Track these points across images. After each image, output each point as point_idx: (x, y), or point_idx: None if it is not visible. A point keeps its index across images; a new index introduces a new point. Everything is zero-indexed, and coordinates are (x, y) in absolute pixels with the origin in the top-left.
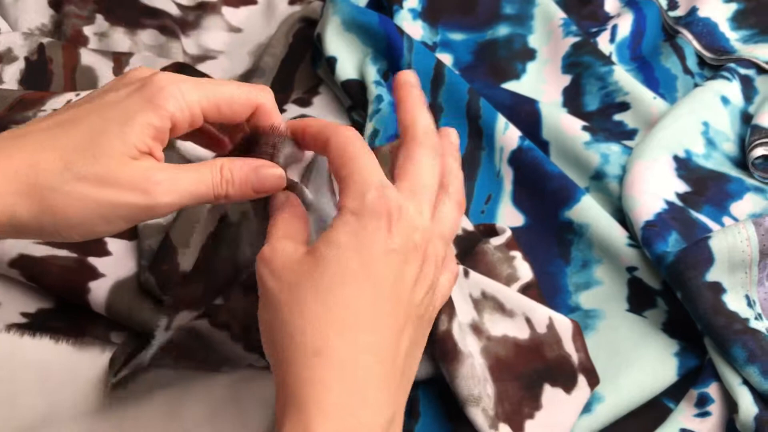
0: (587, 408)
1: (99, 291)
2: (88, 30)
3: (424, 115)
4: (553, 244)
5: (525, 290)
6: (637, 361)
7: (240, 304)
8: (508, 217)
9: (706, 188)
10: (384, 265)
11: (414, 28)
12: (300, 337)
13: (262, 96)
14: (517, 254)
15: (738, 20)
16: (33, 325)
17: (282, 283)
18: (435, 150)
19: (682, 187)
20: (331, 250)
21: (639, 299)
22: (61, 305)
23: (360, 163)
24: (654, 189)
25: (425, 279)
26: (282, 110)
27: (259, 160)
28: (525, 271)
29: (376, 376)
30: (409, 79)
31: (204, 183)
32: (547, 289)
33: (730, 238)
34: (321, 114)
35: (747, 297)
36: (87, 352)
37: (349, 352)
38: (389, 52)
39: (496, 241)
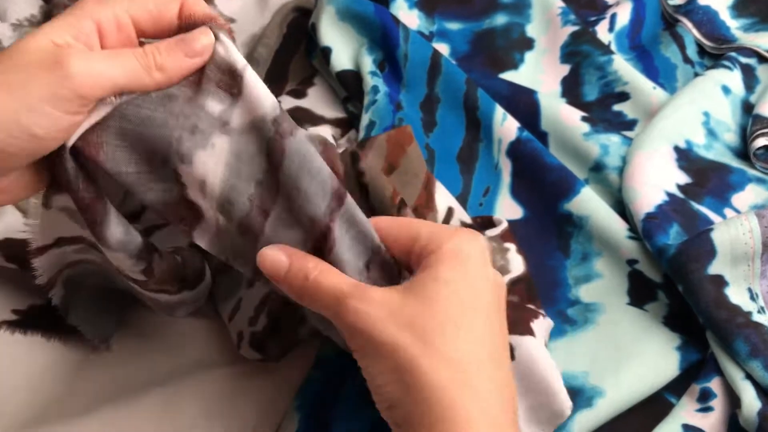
0: (588, 402)
1: None
2: None
3: None
4: (552, 237)
5: (514, 284)
6: (638, 355)
7: None
8: (507, 209)
9: (707, 179)
10: (489, 295)
11: (410, 17)
12: (442, 384)
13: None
14: (511, 246)
15: (738, 8)
16: (24, 322)
17: (410, 335)
18: None
19: (683, 179)
20: (443, 286)
21: (640, 292)
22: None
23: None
24: (655, 180)
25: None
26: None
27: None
28: (517, 265)
29: (512, 407)
30: None
31: (129, 68)
32: (546, 282)
33: (732, 230)
34: (316, 105)
35: (750, 290)
36: (78, 350)
37: (490, 388)
38: (385, 42)
39: (491, 232)
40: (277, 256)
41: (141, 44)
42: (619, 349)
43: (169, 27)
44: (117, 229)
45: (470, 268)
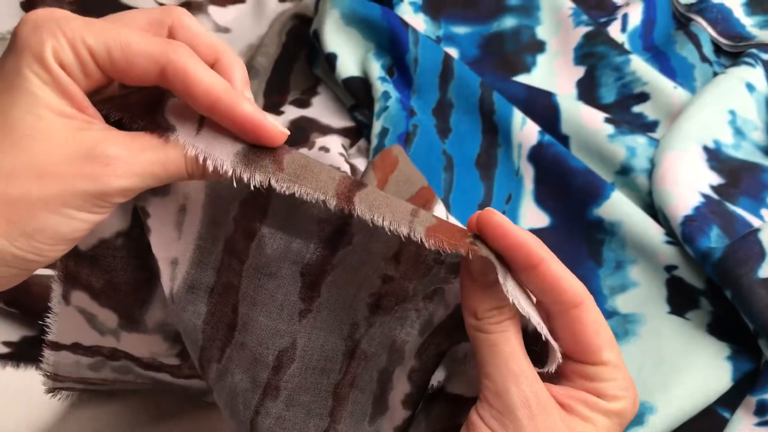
0: (639, 420)
1: None
2: None
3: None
4: (582, 245)
5: None
6: (686, 367)
7: None
8: (532, 217)
9: (740, 180)
10: None
11: (416, 21)
12: None
13: (172, 52)
14: None
15: (752, 5)
16: (17, 354)
17: None
18: None
19: (716, 179)
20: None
21: (680, 300)
22: (45, 333)
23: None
24: (688, 182)
25: None
26: (280, 112)
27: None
28: None
29: None
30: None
31: (172, 153)
32: None
33: None
34: (322, 114)
35: None
36: None
37: None
38: (393, 46)
39: None
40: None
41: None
42: (664, 361)
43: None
44: (158, 312)
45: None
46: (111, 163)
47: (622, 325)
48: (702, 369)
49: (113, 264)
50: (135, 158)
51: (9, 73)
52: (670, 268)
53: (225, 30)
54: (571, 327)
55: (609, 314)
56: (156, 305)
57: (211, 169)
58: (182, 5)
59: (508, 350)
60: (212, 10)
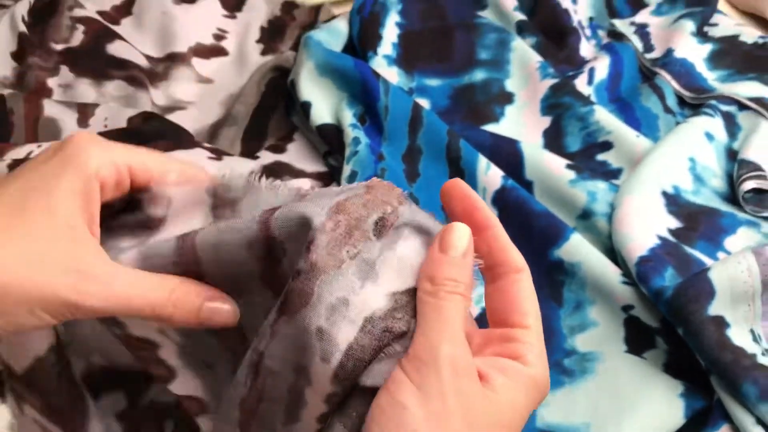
0: None
1: None
2: (52, 81)
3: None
4: (543, 286)
5: None
6: (641, 404)
7: None
8: None
9: (698, 223)
10: (521, 421)
11: (389, 74)
12: None
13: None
14: None
15: (714, 60)
16: None
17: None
18: None
19: (674, 223)
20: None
21: (637, 339)
22: None
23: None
24: (646, 224)
25: None
26: (255, 157)
27: (212, 290)
28: None
29: None
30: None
31: (150, 296)
32: None
33: (730, 269)
34: (296, 159)
35: (752, 331)
36: None
37: None
38: (365, 95)
39: None
40: None
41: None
42: (620, 398)
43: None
44: (97, 427)
45: (530, 395)
46: (93, 282)
47: (581, 363)
48: (656, 406)
49: (48, 386)
50: (114, 286)
51: (46, 174)
52: (627, 308)
53: (207, 81)
54: (508, 289)
55: (568, 353)
56: (94, 422)
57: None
58: (167, 57)
59: (452, 316)
60: (195, 61)
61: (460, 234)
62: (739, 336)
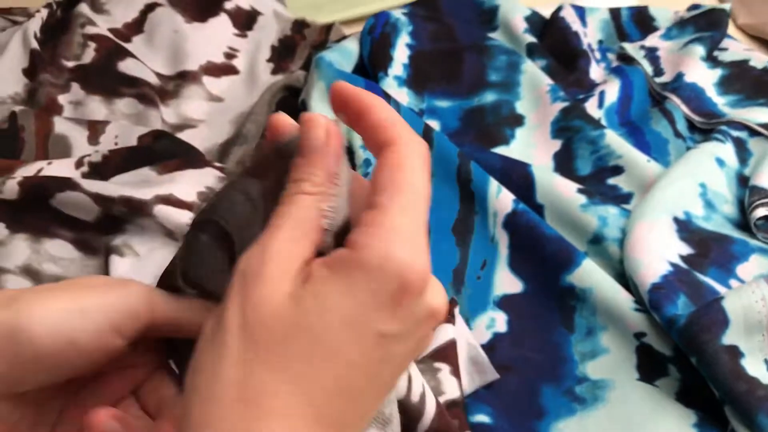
0: None
1: None
2: (63, 98)
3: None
4: (554, 311)
5: (449, 407)
6: None
7: None
8: (506, 283)
9: (709, 250)
10: (372, 349)
11: (400, 95)
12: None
13: None
14: (443, 366)
15: (724, 85)
16: None
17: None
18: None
19: (685, 249)
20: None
21: (649, 367)
22: None
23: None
24: (657, 251)
25: (410, 357)
26: None
27: None
28: (452, 388)
29: None
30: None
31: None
32: (551, 359)
33: (744, 299)
34: None
35: (766, 362)
36: None
37: None
38: None
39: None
40: None
41: None
42: (632, 427)
43: None
44: None
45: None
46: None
47: (592, 391)
48: None
49: None
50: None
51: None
52: (639, 335)
53: (218, 99)
54: (375, 169)
55: (579, 380)
56: None
57: None
58: (178, 75)
59: (277, 223)
60: (206, 80)
61: (310, 130)
62: (753, 366)
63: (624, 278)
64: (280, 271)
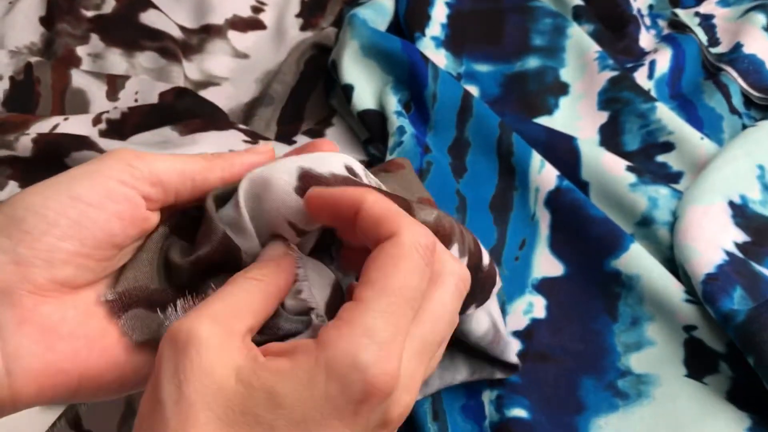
0: None
1: None
2: (81, 50)
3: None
4: (597, 298)
5: None
6: None
7: None
8: (546, 265)
9: (766, 238)
10: (286, 413)
11: (437, 57)
12: None
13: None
14: None
15: None
16: None
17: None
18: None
19: (741, 237)
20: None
21: (699, 363)
22: None
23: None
24: (711, 238)
25: None
26: (292, 141)
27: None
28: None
29: None
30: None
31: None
32: (592, 349)
33: None
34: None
35: None
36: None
37: None
38: (412, 80)
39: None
40: None
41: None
42: (679, 428)
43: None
44: None
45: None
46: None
47: (636, 386)
48: None
49: None
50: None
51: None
52: (689, 329)
53: (244, 56)
54: (369, 257)
55: (622, 373)
56: None
57: None
58: (202, 29)
59: (230, 291)
60: (231, 34)
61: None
62: None
63: (672, 263)
64: (220, 340)
